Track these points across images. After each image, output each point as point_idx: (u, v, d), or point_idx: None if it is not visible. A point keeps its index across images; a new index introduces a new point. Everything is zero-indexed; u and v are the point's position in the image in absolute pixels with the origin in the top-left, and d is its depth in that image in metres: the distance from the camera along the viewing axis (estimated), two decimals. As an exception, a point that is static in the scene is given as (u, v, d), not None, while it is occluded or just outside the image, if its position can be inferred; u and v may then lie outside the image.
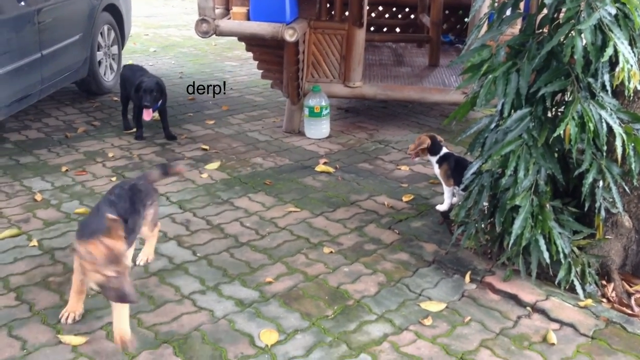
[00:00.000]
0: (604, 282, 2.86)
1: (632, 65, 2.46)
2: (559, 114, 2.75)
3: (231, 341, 2.40)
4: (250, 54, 4.92)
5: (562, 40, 2.58)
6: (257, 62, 4.93)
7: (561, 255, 2.68)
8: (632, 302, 2.75)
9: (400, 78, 5.35)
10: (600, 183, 2.69)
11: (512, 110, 2.72)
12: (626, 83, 2.49)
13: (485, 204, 2.92)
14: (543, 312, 2.61)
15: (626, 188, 2.79)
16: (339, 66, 4.88)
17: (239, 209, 3.57)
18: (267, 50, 4.74)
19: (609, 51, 2.43)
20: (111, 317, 2.36)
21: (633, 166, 2.61)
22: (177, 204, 3.61)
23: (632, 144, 2.59)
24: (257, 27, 4.30)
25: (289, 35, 4.21)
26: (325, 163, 4.35)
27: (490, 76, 2.72)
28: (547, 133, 2.65)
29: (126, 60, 7.65)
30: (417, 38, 6.57)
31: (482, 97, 2.73)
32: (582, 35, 2.45)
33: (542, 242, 2.65)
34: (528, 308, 2.64)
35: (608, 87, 2.59)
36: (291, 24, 4.27)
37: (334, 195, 3.80)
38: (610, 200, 2.77)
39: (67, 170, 4.07)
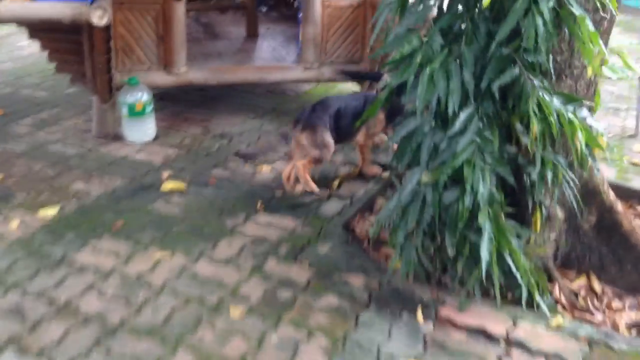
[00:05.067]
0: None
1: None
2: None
3: None
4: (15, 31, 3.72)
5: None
6: (47, 51, 3.75)
7: (521, 271, 2.31)
8: (591, 306, 2.52)
9: (225, 56, 4.56)
10: (549, 177, 2.35)
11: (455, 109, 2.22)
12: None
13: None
14: (521, 345, 2.23)
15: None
16: (156, 49, 3.93)
17: (87, 269, 2.60)
18: (61, 37, 3.62)
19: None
20: None
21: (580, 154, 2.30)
22: (-10, 280, 2.51)
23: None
24: (49, 9, 3.23)
25: (98, 18, 3.22)
26: (170, 177, 3.47)
27: (426, 70, 2.17)
28: (497, 132, 2.22)
29: None
30: (231, 6, 5.75)
31: (422, 98, 2.17)
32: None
33: (510, 261, 2.25)
34: (502, 343, 2.24)
35: (551, 68, 2.22)
36: (97, 2, 3.24)
37: (203, 223, 3.00)
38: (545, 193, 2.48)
39: None
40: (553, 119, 2.11)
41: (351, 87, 4.86)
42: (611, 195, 2.72)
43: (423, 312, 2.37)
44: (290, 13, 6.09)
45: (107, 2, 3.34)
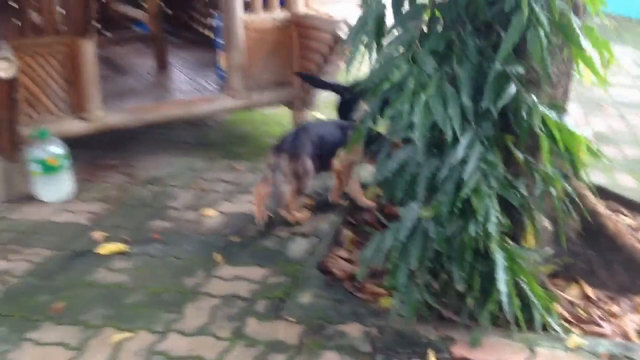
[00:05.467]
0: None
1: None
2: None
3: None
4: None
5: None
6: None
7: (537, 296, 2.16)
8: (595, 316, 2.41)
9: (140, 93, 4.17)
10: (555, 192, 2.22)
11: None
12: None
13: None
14: (548, 375, 2.07)
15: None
16: (66, 95, 3.48)
17: (34, 371, 2.16)
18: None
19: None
20: None
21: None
22: None
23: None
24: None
25: (3, 71, 2.75)
26: (105, 238, 3.04)
27: (422, 97, 1.96)
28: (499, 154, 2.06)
29: None
30: (134, 37, 5.29)
31: (420, 128, 1.96)
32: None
33: (528, 291, 2.09)
34: (529, 376, 2.08)
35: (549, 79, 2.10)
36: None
37: (159, 288, 2.62)
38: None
39: None
40: (559, 134, 1.98)
41: (276, 112, 4.60)
42: (592, 198, 2.65)
43: (436, 356, 2.15)
44: (195, 37, 5.74)
45: (11, 51, 2.88)
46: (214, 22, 4.29)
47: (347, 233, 3.04)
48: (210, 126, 4.67)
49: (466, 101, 1.97)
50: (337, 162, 3.12)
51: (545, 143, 1.98)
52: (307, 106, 4.17)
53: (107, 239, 3.02)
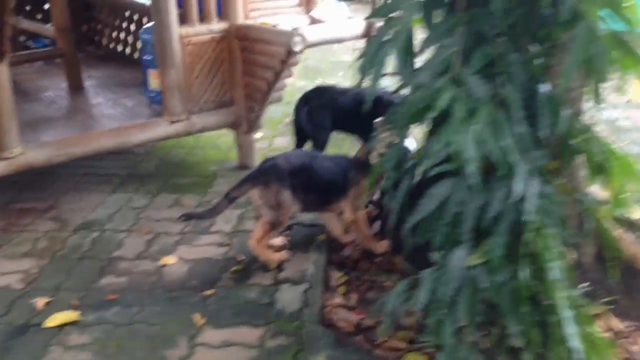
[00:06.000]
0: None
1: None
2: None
3: None
4: None
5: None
6: None
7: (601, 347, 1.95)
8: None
9: (59, 121, 3.59)
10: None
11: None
12: None
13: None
14: None
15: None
16: (-24, 130, 2.87)
17: None
18: None
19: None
20: None
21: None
22: None
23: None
24: None
25: None
26: (48, 305, 2.49)
27: (473, 126, 1.67)
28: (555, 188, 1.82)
29: None
30: (45, 54, 4.57)
31: (474, 162, 1.67)
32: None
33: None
34: None
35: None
36: None
37: (135, 367, 2.15)
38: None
39: None
40: (618, 161, 1.77)
41: (209, 133, 4.15)
42: (607, 221, 2.49)
43: (492, 422, 1.88)
44: (100, 53, 5.13)
45: None
46: (142, 36, 3.76)
47: (336, 275, 2.70)
48: (138, 153, 4.14)
49: (521, 129, 1.71)
50: (347, 212, 2.76)
51: (614, 172, 1.77)
52: (253, 128, 3.78)
53: (52, 306, 2.48)
